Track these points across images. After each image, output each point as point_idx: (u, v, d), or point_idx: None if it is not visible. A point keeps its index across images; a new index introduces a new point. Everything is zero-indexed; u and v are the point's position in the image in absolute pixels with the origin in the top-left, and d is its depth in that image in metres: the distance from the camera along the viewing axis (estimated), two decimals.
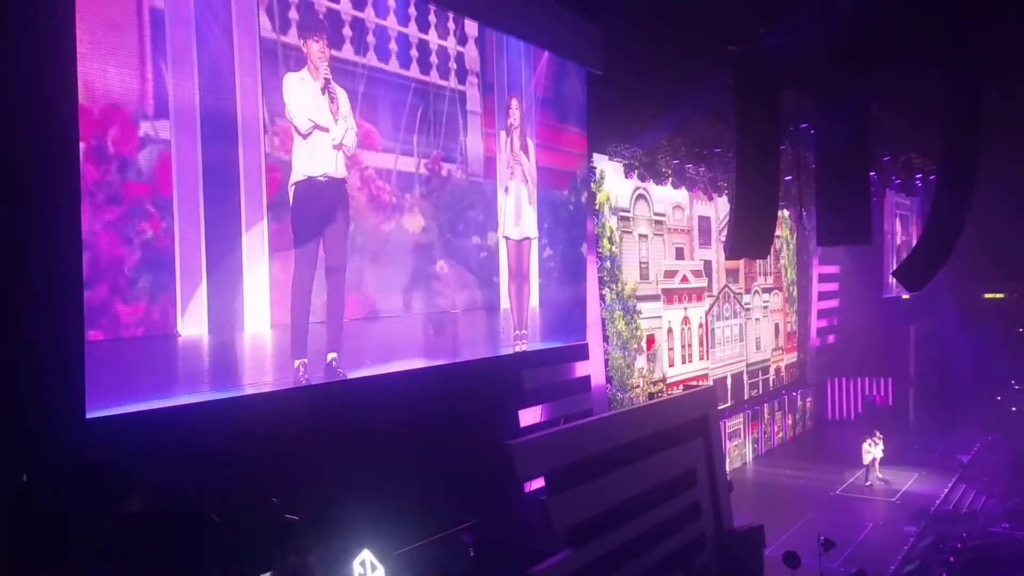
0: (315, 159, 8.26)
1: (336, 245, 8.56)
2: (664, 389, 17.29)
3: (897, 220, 28.67)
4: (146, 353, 6.88)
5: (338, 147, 8.48)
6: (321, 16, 8.44)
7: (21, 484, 5.21)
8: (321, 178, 8.35)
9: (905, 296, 25.92)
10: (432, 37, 9.93)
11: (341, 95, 8.53)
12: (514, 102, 11.43)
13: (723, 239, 20.02)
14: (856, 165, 11.58)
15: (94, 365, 6.42)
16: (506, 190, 11.29)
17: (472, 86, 10.61)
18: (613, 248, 15.79)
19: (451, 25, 10.22)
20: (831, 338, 27.09)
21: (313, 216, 8.29)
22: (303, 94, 8.10)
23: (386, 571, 7.19)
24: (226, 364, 7.56)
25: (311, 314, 8.30)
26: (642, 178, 16.59)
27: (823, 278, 26.50)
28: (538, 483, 10.26)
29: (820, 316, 26.44)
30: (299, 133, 8.10)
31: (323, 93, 8.27)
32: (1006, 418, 25.10)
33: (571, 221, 12.79)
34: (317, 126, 8.22)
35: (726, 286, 21.06)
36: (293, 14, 8.11)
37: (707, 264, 20.08)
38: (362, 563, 7.24)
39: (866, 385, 26.21)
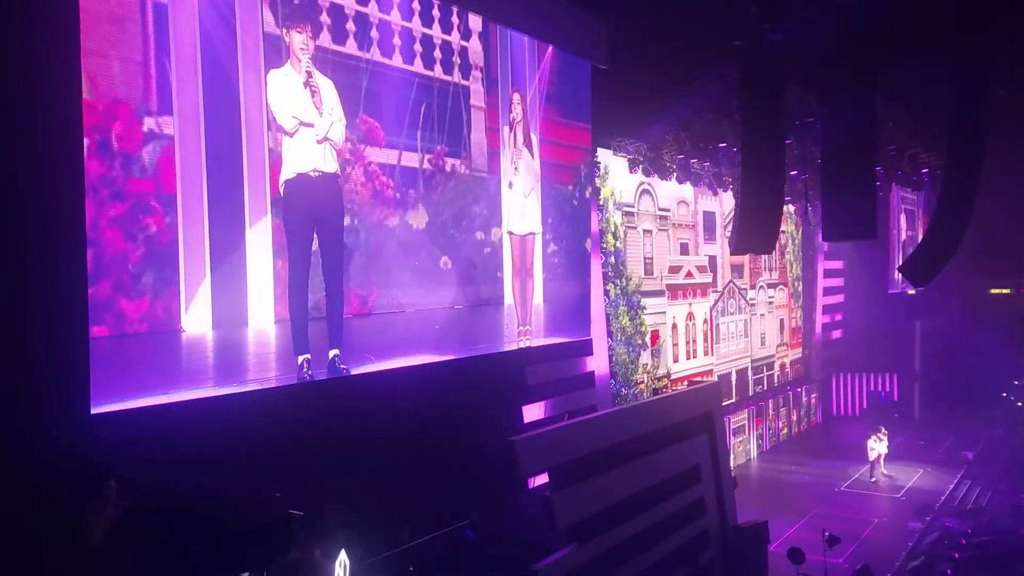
0: (304, 155, 8.13)
1: (331, 240, 8.48)
2: (668, 385, 17.28)
3: (903, 215, 28.56)
4: (150, 349, 6.89)
5: (323, 141, 8.30)
6: (324, 11, 8.41)
7: (29, 476, 5.22)
8: (312, 174, 8.22)
9: (911, 292, 25.85)
10: (436, 32, 9.90)
11: (326, 87, 8.35)
12: (518, 97, 11.39)
13: (728, 234, 19.99)
14: (862, 160, 11.53)
15: (98, 361, 6.42)
16: (510, 185, 11.27)
17: (476, 81, 10.58)
18: (617, 243, 15.77)
19: (455, 20, 10.19)
20: (836, 334, 27.04)
21: (306, 212, 8.19)
22: (286, 90, 7.95)
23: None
24: (230, 360, 7.56)
25: (314, 310, 8.29)
26: (647, 173, 16.54)
27: (828, 273, 26.43)
28: (542, 479, 10.26)
29: (825, 312, 26.38)
30: (285, 132, 7.96)
31: (305, 87, 8.11)
32: (1012, 414, 25.03)
33: (575, 216, 12.77)
34: (302, 123, 8.07)
35: (731, 281, 21.01)
36: (296, 8, 8.09)
37: (712, 259, 20.04)
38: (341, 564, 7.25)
39: (871, 381, 26.16)
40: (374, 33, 9.01)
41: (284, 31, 7.94)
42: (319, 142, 8.27)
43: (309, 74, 8.10)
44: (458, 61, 10.26)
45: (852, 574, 12.10)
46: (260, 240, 7.80)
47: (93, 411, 6.37)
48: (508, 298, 11.32)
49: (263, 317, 7.85)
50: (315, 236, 8.32)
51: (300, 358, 8.16)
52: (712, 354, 19.86)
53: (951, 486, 18.58)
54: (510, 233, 11.31)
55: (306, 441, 7.62)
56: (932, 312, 26.42)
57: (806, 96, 14.29)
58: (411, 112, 9.52)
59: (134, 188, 6.74)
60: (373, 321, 9.08)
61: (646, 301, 16.77)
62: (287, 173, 8.03)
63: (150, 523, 5.60)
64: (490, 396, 10.46)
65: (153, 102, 6.85)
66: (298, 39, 8.01)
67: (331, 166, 8.42)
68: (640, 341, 16.43)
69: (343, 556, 7.19)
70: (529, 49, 11.69)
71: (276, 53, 7.90)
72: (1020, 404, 25.63)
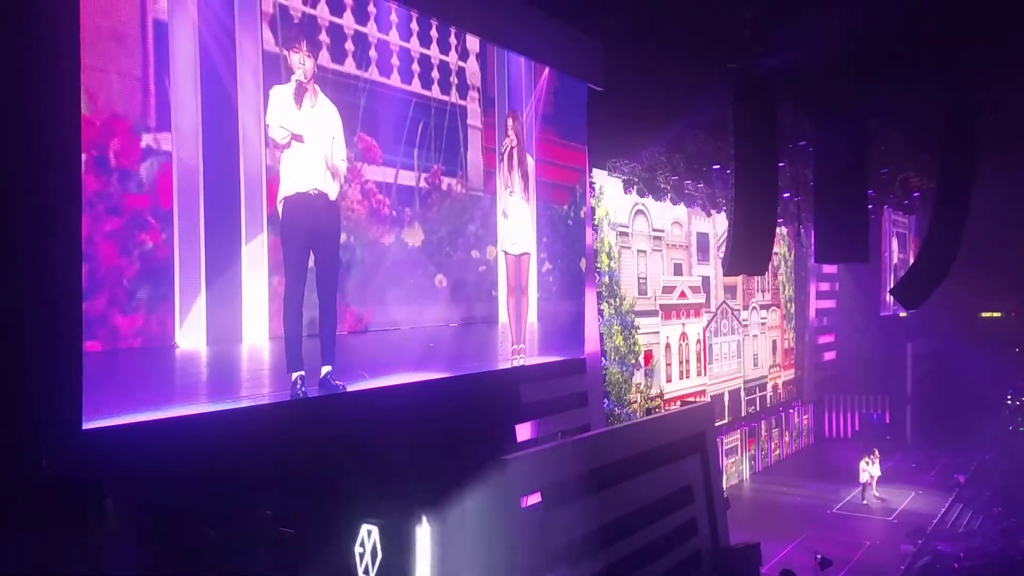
0: (303, 174, 8.17)
1: (327, 259, 8.50)
2: (661, 405, 17.28)
3: (895, 238, 28.77)
4: (144, 364, 6.87)
5: (318, 158, 8.31)
6: (324, 30, 8.47)
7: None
8: (312, 192, 8.28)
9: (902, 314, 25.98)
10: (434, 52, 9.99)
11: (326, 107, 8.39)
12: (514, 117, 11.48)
13: (721, 255, 20.09)
14: (854, 183, 11.66)
15: (91, 376, 6.38)
16: (504, 211, 11.32)
17: (473, 101, 10.66)
18: (612, 263, 15.84)
19: (452, 40, 10.28)
20: (829, 355, 27.12)
21: (304, 231, 8.21)
22: (282, 105, 8.00)
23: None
24: (224, 376, 7.54)
25: (308, 327, 8.29)
26: (641, 194, 16.66)
27: (821, 295, 26.56)
28: (534, 498, 10.22)
29: (818, 333, 26.47)
30: (277, 145, 7.99)
31: (299, 106, 8.14)
32: (1003, 438, 25.10)
33: (570, 236, 12.82)
34: (292, 136, 8.09)
35: (724, 302, 21.09)
36: (295, 28, 8.16)
37: (705, 280, 20.13)
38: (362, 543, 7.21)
39: (863, 403, 26.21)
40: (372, 53, 9.09)
41: (282, 50, 7.99)
42: (316, 161, 8.31)
43: (303, 88, 8.15)
44: (455, 81, 10.34)
45: None
46: (256, 256, 7.81)
47: (85, 426, 6.33)
48: (503, 316, 11.33)
49: (257, 333, 7.84)
50: (311, 254, 8.34)
51: (294, 375, 8.15)
52: (705, 374, 19.89)
53: (943, 509, 18.59)
54: (505, 252, 11.35)
55: (298, 458, 7.57)
56: (923, 335, 26.55)
57: (799, 119, 14.44)
58: (408, 131, 9.58)
59: (130, 203, 6.74)
60: (368, 338, 9.07)
61: (640, 321, 16.82)
62: (286, 191, 8.07)
63: (141, 537, 5.57)
64: (484, 414, 10.44)
65: (151, 118, 6.87)
66: (295, 59, 8.12)
67: (330, 186, 8.47)
68: (634, 360, 16.44)
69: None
70: (526, 70, 11.79)
71: (275, 71, 7.95)
72: (1011, 428, 25.71)
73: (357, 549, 7.24)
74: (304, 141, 8.22)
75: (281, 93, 8.02)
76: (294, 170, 8.13)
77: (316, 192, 8.34)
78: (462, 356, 10.50)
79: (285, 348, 8.08)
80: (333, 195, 8.53)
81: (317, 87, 8.31)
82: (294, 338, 8.14)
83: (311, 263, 8.33)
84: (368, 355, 9.07)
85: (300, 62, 8.16)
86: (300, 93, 8.15)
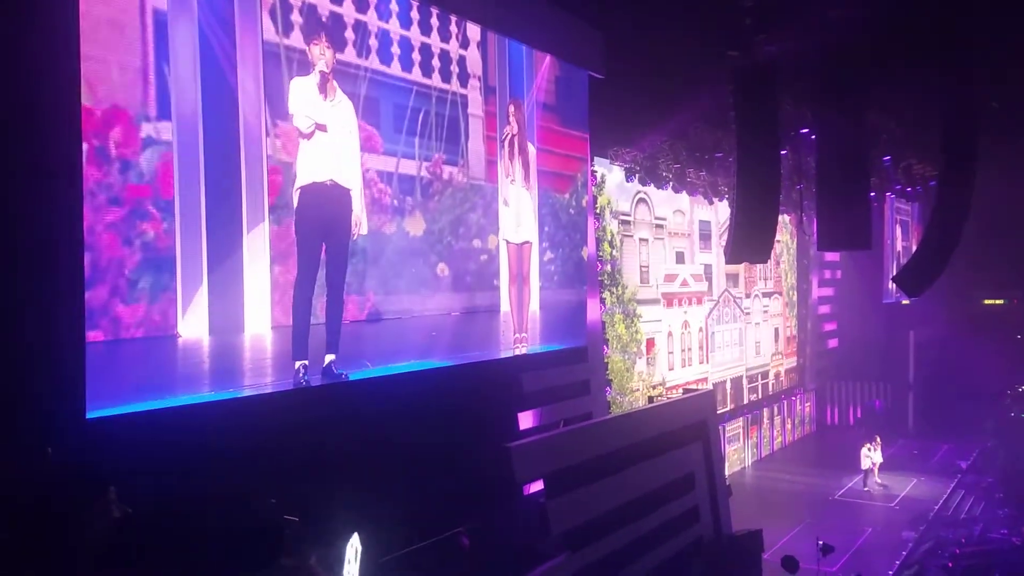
0: (320, 164, 8.26)
1: (338, 249, 8.58)
2: (663, 393, 17.31)
3: (897, 226, 28.70)
4: (147, 354, 6.89)
5: (336, 149, 8.43)
6: (324, 19, 8.46)
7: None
8: (327, 183, 8.36)
9: (905, 302, 25.96)
10: (434, 40, 9.95)
11: (343, 100, 8.52)
12: (516, 105, 11.45)
13: (723, 243, 20.07)
14: (856, 171, 11.62)
15: (94, 366, 6.42)
16: (506, 200, 11.31)
17: (474, 89, 10.63)
18: (614, 252, 15.83)
19: (453, 28, 10.24)
20: (831, 343, 27.12)
21: (317, 221, 8.29)
22: (304, 95, 8.13)
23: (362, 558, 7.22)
24: (226, 365, 7.57)
25: (312, 316, 8.32)
26: (643, 182, 16.63)
27: (823, 283, 26.54)
28: (537, 486, 10.27)
29: (820, 321, 26.47)
30: (302, 135, 8.09)
31: (322, 95, 8.26)
32: (1005, 424, 25.10)
33: (572, 224, 12.81)
34: (316, 124, 8.19)
35: (726, 290, 21.09)
36: (296, 17, 8.14)
37: (707, 268, 20.12)
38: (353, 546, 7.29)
39: (865, 390, 26.23)
40: (373, 41, 9.06)
41: (282, 38, 8.00)
42: (334, 152, 8.37)
43: (326, 78, 8.28)
44: (456, 70, 10.31)
45: None
46: (257, 246, 7.82)
47: (89, 416, 6.37)
48: (504, 305, 11.34)
49: (260, 323, 7.86)
50: (323, 245, 8.39)
51: (297, 363, 8.18)
52: (707, 362, 19.91)
53: (944, 496, 18.64)
54: (507, 241, 11.35)
55: (302, 447, 7.62)
56: (926, 322, 26.53)
57: (801, 107, 14.39)
58: (409, 120, 9.56)
59: (132, 194, 6.75)
60: (370, 327, 9.09)
61: (642, 309, 16.82)
62: (302, 180, 8.13)
63: (144, 528, 5.61)
64: (486, 403, 10.47)
65: (152, 108, 6.87)
66: (315, 50, 8.24)
67: (345, 179, 8.53)
68: (636, 349, 16.46)
69: (355, 540, 7.20)
70: (527, 58, 11.75)
71: (275, 61, 7.93)
72: (1013, 414, 25.70)
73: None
74: (327, 131, 8.31)
75: (304, 84, 8.12)
76: (312, 160, 8.20)
77: (331, 183, 8.42)
78: (464, 345, 10.53)
79: (293, 337, 8.12)
80: (348, 185, 8.61)
81: (336, 83, 8.39)
82: (302, 328, 8.18)
83: (323, 253, 8.39)
84: (370, 344, 9.09)
85: (320, 53, 8.28)
86: (324, 83, 8.27)
